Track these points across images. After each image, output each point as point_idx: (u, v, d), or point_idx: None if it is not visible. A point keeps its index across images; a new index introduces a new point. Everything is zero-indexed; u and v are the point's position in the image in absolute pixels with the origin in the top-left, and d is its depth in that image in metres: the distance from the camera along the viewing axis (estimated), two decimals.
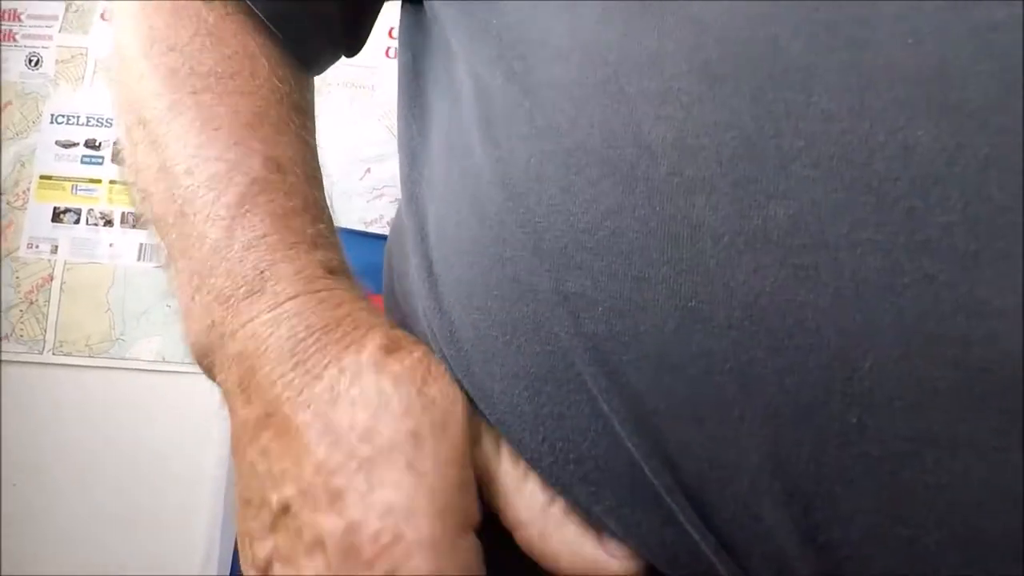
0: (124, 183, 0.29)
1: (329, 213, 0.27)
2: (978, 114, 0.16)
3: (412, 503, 0.20)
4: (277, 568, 0.22)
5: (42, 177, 1.27)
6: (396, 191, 1.18)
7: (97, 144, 1.27)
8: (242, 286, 0.24)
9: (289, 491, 0.21)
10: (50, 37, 1.31)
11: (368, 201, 1.16)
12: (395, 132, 1.23)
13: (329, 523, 0.20)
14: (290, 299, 0.23)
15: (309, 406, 0.21)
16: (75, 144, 1.27)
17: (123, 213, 1.25)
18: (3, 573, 1.19)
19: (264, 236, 0.24)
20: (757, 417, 0.18)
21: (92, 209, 1.25)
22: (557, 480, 0.22)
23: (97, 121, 1.28)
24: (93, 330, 1.22)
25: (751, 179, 0.18)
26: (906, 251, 0.16)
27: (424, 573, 0.19)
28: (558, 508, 0.21)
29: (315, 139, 0.29)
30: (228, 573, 1.13)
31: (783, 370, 0.17)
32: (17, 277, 1.24)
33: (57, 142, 1.27)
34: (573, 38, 0.21)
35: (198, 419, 1.16)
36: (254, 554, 0.23)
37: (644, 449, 0.19)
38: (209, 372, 0.26)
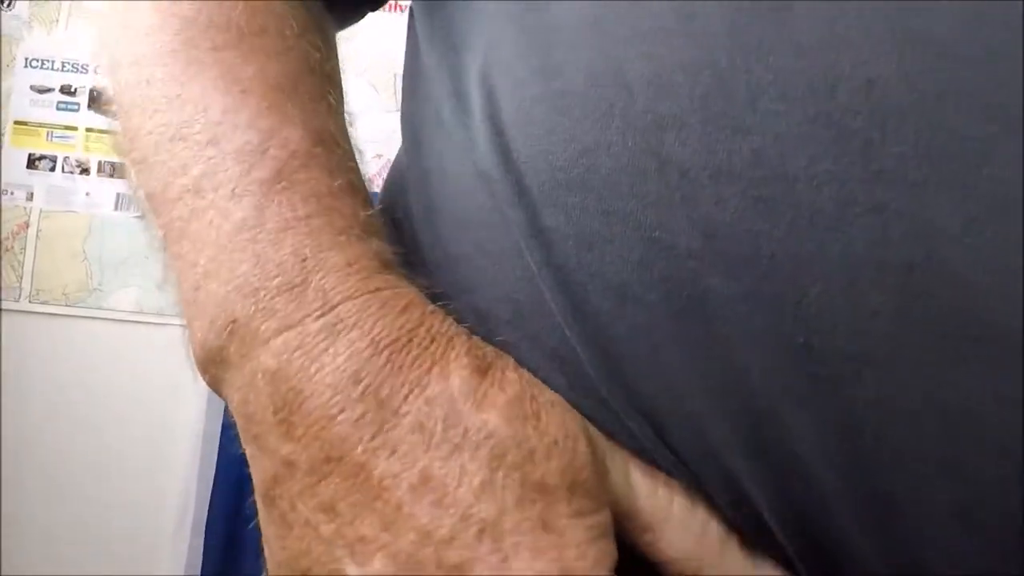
0: (115, 147, 0.23)
1: (370, 196, 0.22)
2: (940, 45, 0.16)
3: (561, 569, 0.16)
4: None
5: (16, 122, 1.23)
6: (377, 147, 1.16)
7: (73, 90, 1.23)
8: (277, 276, 0.18)
9: (379, 565, 0.17)
10: None
11: None
12: (377, 88, 1.20)
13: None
14: (346, 300, 0.18)
15: (394, 452, 0.17)
16: (50, 90, 1.23)
17: (100, 162, 1.22)
18: None
19: (308, 218, 0.19)
20: (711, 341, 0.18)
21: (68, 157, 1.22)
22: None
23: (73, 67, 1.23)
24: (70, 279, 1.20)
25: (720, 115, 0.18)
26: (860, 182, 0.16)
27: None
28: (714, 533, 0.19)
29: (342, 111, 0.25)
30: (204, 521, 1.14)
31: (737, 296, 0.18)
32: None
33: (32, 87, 1.23)
34: None
35: (175, 370, 1.16)
36: None
37: (603, 373, 0.20)
38: (216, 385, 0.20)
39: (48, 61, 1.23)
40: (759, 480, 0.18)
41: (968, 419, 0.16)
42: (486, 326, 0.23)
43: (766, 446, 0.18)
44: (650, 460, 0.20)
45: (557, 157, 0.20)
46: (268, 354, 0.18)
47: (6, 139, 1.22)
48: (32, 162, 1.22)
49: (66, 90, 1.23)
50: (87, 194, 1.22)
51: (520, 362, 0.21)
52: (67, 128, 1.23)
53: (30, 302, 1.21)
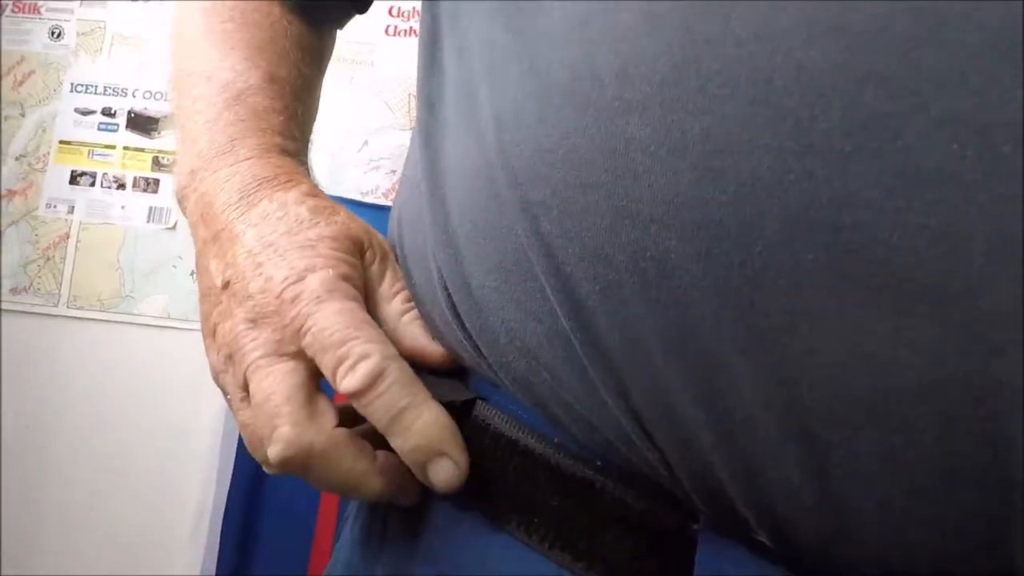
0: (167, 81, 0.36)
1: (304, 122, 0.34)
2: (861, 35, 0.17)
3: (311, 263, 0.27)
4: (220, 323, 0.28)
5: (61, 142, 1.27)
6: (392, 163, 1.19)
7: (113, 112, 1.27)
8: (217, 148, 0.30)
9: (229, 272, 0.28)
10: (71, 11, 1.30)
11: (364, 172, 1.17)
12: (392, 107, 1.22)
13: (255, 282, 0.27)
14: (247, 159, 0.30)
15: (246, 222, 0.28)
16: (92, 112, 1.27)
17: (135, 178, 1.25)
18: (8, 507, 1.20)
19: (243, 120, 0.31)
20: (670, 297, 0.19)
21: (106, 173, 1.26)
22: (507, 355, 0.24)
23: (114, 91, 1.27)
24: (104, 286, 1.23)
25: (675, 99, 0.19)
26: (793, 153, 0.18)
27: (317, 298, 0.26)
28: (409, 316, 0.29)
29: (313, 71, 0.36)
30: (222, 520, 1.14)
31: (692, 256, 0.19)
32: (36, 235, 1.25)
33: (76, 109, 1.27)
34: None
35: (198, 373, 1.17)
36: (207, 322, 0.29)
37: (576, 326, 0.21)
38: (182, 206, 0.32)
39: (92, 86, 1.28)
40: (709, 427, 0.19)
41: (890, 367, 0.17)
42: (475, 295, 0.24)
43: (716, 395, 0.19)
44: (609, 411, 0.21)
45: (544, 141, 0.22)
46: (202, 185, 0.30)
47: (52, 157, 1.26)
48: (74, 178, 1.26)
49: (107, 112, 1.27)
50: (122, 207, 1.25)
51: (506, 322, 0.24)
52: (106, 147, 1.26)
53: (68, 308, 1.23)
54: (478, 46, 0.26)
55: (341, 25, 0.40)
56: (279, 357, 0.26)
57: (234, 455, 1.15)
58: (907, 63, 0.17)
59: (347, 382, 0.25)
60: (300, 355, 0.26)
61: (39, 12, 1.31)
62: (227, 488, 1.13)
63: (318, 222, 0.28)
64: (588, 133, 0.21)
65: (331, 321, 0.25)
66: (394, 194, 1.24)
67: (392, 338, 0.27)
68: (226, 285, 0.27)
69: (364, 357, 0.25)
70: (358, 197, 1.15)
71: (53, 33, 1.30)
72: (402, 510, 0.28)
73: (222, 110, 0.31)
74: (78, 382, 1.22)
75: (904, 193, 0.16)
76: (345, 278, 0.27)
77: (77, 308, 1.23)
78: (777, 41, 0.18)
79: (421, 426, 0.24)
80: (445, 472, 0.25)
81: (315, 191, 0.30)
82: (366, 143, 1.17)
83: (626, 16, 0.21)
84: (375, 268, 0.29)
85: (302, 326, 0.25)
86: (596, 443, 0.22)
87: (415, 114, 0.31)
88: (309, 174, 0.32)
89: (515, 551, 0.24)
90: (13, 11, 1.31)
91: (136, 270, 1.23)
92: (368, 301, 0.28)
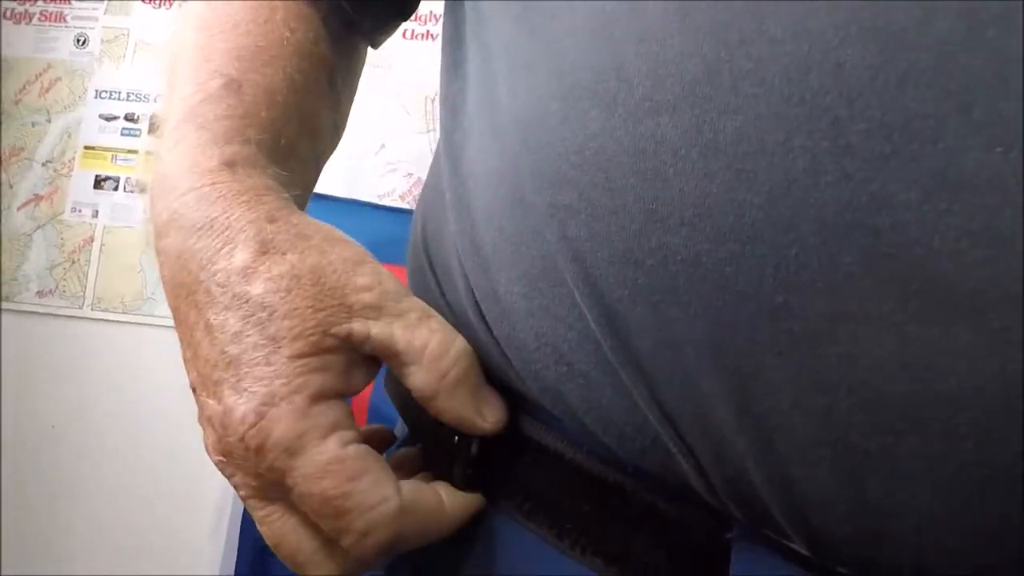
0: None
1: (277, 123, 0.29)
2: (901, 35, 0.17)
3: (270, 391, 0.22)
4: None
5: (86, 147, 1.29)
6: (408, 166, 1.19)
7: (136, 118, 1.29)
8: (162, 188, 0.26)
9: (192, 376, 0.24)
10: (96, 19, 1.32)
11: (382, 176, 1.18)
12: (409, 111, 1.23)
13: (215, 409, 0.23)
14: (187, 193, 0.25)
15: (195, 305, 0.24)
16: (116, 117, 1.29)
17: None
18: (34, 503, 1.21)
19: (179, 142, 0.27)
20: (702, 301, 0.19)
21: (130, 178, 1.28)
22: (537, 362, 0.23)
23: (136, 96, 1.29)
24: (127, 289, 1.25)
25: (707, 98, 0.19)
26: (830, 154, 0.17)
27: (286, 451, 0.22)
28: (452, 377, 0.24)
29: (313, 78, 0.32)
30: (240, 520, 1.14)
31: (724, 259, 0.19)
32: (62, 238, 1.27)
33: (100, 115, 1.29)
34: None
35: None
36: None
37: (607, 332, 0.21)
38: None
39: (115, 92, 1.30)
40: (743, 432, 0.19)
41: (930, 372, 0.16)
42: (503, 301, 0.24)
43: (751, 400, 0.19)
44: (642, 417, 0.21)
45: (569, 143, 0.22)
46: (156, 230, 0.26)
47: (77, 162, 1.28)
48: (98, 183, 1.28)
49: (130, 118, 1.29)
50: (145, 211, 1.26)
51: (535, 328, 0.23)
52: (129, 152, 1.28)
53: (92, 309, 1.25)
54: (501, 50, 0.26)
55: (377, 38, 0.38)
56: (267, 503, 0.23)
57: None
58: (948, 64, 0.16)
59: (356, 551, 0.22)
60: (288, 498, 0.23)
61: (65, 20, 1.33)
62: None
63: (274, 310, 0.22)
64: (616, 135, 0.21)
65: (314, 488, 0.22)
66: (411, 197, 1.25)
67: (432, 409, 0.24)
68: (192, 388, 0.24)
69: (366, 534, 0.22)
70: (375, 200, 1.15)
71: (79, 40, 1.32)
72: None
73: (174, 128, 0.27)
74: (101, 382, 1.24)
75: (944, 196, 0.16)
76: (319, 395, 0.22)
77: (101, 310, 1.25)
78: (814, 40, 0.18)
79: (450, 531, 0.24)
80: None
81: (267, 237, 0.24)
82: (383, 146, 1.18)
83: (653, 16, 0.21)
84: (377, 333, 0.23)
85: (283, 483, 0.22)
86: (628, 451, 0.22)
87: (439, 120, 0.31)
88: (266, 170, 0.27)
89: (545, 557, 0.24)
90: (40, 20, 1.34)
91: (157, 273, 1.24)
92: (392, 367, 0.24)
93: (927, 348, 0.16)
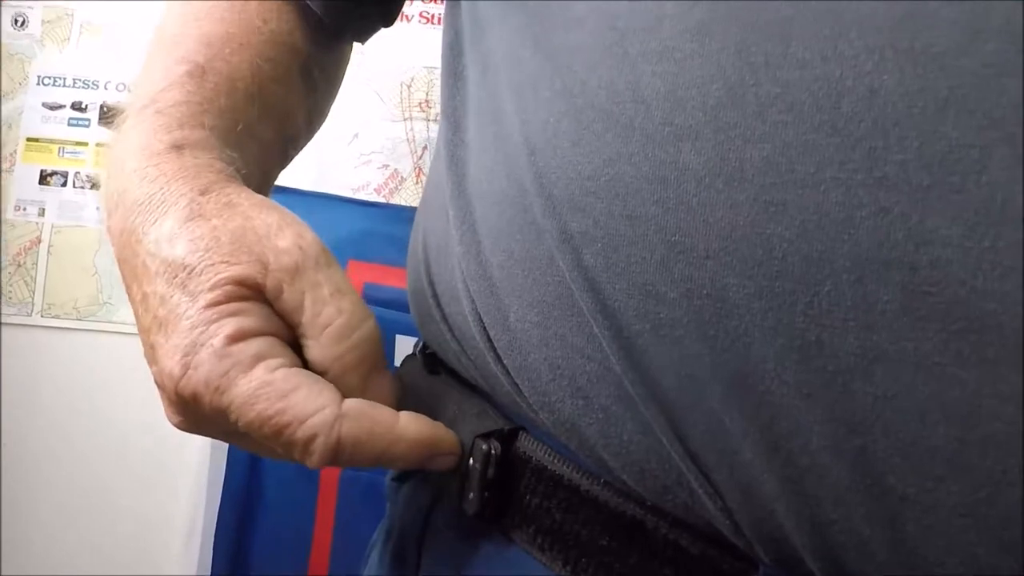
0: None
1: (235, 109, 0.32)
2: (940, 58, 0.16)
3: (192, 339, 0.24)
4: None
5: (29, 140, 1.24)
6: (384, 157, 1.17)
7: (84, 106, 1.24)
8: (115, 158, 0.29)
9: (144, 349, 0.27)
10: None
11: (355, 167, 1.16)
12: (383, 98, 1.20)
13: (156, 370, 0.26)
14: (131, 172, 0.28)
15: (135, 277, 0.27)
16: (62, 106, 1.24)
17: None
18: None
19: (157, 113, 0.30)
20: (728, 337, 0.19)
21: (79, 172, 1.23)
22: (552, 394, 0.23)
23: (83, 83, 1.25)
24: (80, 293, 1.21)
25: (732, 125, 0.19)
26: (865, 186, 0.17)
27: (216, 389, 0.24)
28: (347, 361, 0.26)
29: (284, 68, 0.34)
30: (213, 529, 1.13)
31: (752, 294, 0.19)
32: (5, 240, 1.22)
33: (44, 104, 1.24)
34: (588, 6, 0.22)
35: None
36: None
37: (627, 366, 0.21)
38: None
39: (60, 79, 1.25)
40: (772, 473, 0.19)
41: (973, 416, 0.16)
42: (514, 329, 0.24)
43: (780, 440, 0.19)
44: (665, 454, 0.21)
45: (583, 167, 0.22)
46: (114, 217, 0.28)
47: (19, 156, 1.24)
48: (44, 178, 1.23)
49: (77, 106, 1.25)
50: (97, 208, 1.23)
51: (550, 359, 0.23)
52: (78, 144, 1.24)
53: (42, 316, 1.22)
54: (503, 63, 0.26)
55: (362, 39, 0.40)
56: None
57: (224, 463, 1.14)
58: (992, 89, 0.16)
59: (311, 465, 0.24)
60: None
61: None
62: (219, 497, 1.12)
63: (192, 268, 0.25)
64: (634, 161, 0.20)
65: (250, 415, 0.24)
66: (387, 190, 1.23)
67: (336, 385, 0.25)
68: (144, 331, 0.26)
69: (310, 439, 0.24)
70: (348, 194, 1.13)
71: (16, 22, 1.27)
72: (439, 541, 0.28)
73: (136, 115, 0.30)
74: (56, 395, 1.20)
75: (988, 232, 0.16)
76: (237, 336, 0.24)
77: (52, 317, 1.21)
78: (846, 63, 0.18)
79: (407, 451, 0.25)
80: (447, 464, 0.26)
81: (194, 207, 0.26)
82: (356, 136, 1.16)
83: (669, 34, 0.20)
84: (288, 297, 0.25)
85: (227, 417, 0.24)
86: (650, 489, 0.22)
87: (439, 132, 0.31)
88: (216, 152, 0.29)
89: None
90: None
91: (114, 275, 1.21)
92: (297, 340, 0.26)
93: (969, 391, 0.16)
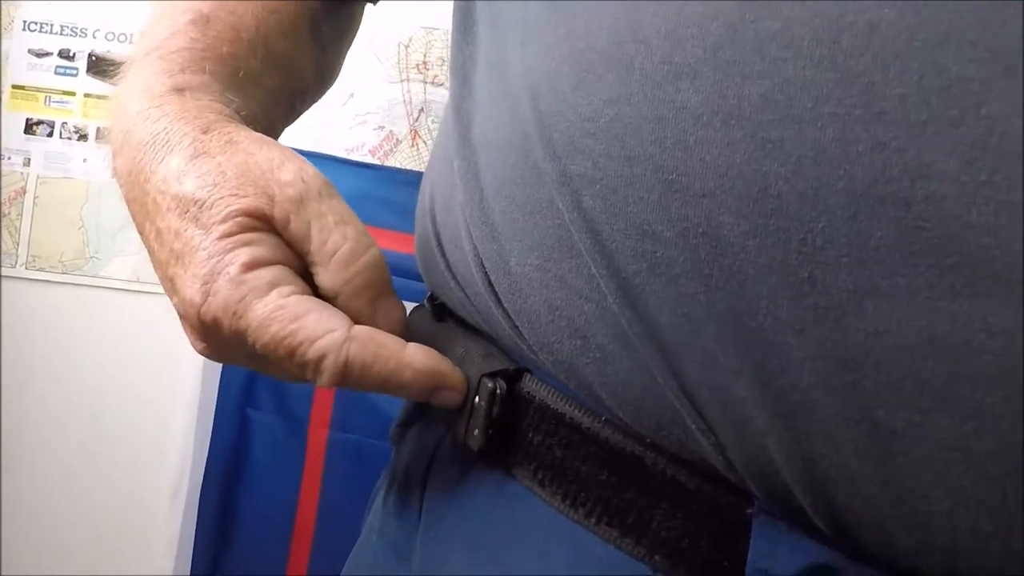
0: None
1: (236, 57, 0.33)
2: None
3: (210, 269, 0.26)
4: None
5: (14, 87, 1.22)
6: (379, 118, 1.16)
7: (72, 55, 1.22)
8: (135, 97, 0.30)
9: (163, 285, 0.28)
10: None
11: (350, 128, 1.15)
12: (380, 58, 1.19)
13: (175, 304, 0.27)
14: (135, 114, 0.29)
15: (147, 214, 0.28)
16: (48, 54, 1.22)
17: (98, 128, 1.22)
18: None
19: (160, 59, 0.31)
20: (723, 275, 0.19)
21: (66, 122, 1.22)
22: (550, 335, 0.24)
23: (72, 31, 1.23)
24: (67, 247, 1.21)
25: (730, 62, 0.19)
26: (862, 121, 0.17)
27: (235, 314, 0.25)
28: (354, 286, 0.27)
29: (290, 21, 0.35)
30: (199, 487, 1.14)
31: (747, 232, 0.19)
32: None
33: (30, 51, 1.22)
34: None
35: (172, 340, 1.16)
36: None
37: (624, 305, 0.21)
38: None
39: (47, 25, 1.23)
40: (764, 408, 0.19)
41: (964, 351, 0.17)
42: (514, 273, 0.24)
43: (771, 377, 0.19)
44: (660, 392, 0.21)
45: (583, 109, 0.22)
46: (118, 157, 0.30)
47: (4, 103, 1.22)
48: (30, 127, 1.22)
49: (64, 54, 1.22)
50: (84, 160, 1.21)
51: (549, 301, 0.24)
52: (65, 93, 1.22)
53: (27, 269, 1.21)
54: (511, 14, 0.26)
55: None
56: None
57: (211, 423, 1.15)
58: (992, 23, 0.16)
59: (321, 384, 0.25)
60: None
61: None
62: (205, 455, 1.13)
63: (203, 202, 0.26)
64: (633, 101, 0.21)
65: (264, 336, 0.25)
66: (381, 152, 1.22)
67: (346, 311, 0.27)
68: (162, 268, 0.28)
69: (320, 359, 0.25)
70: (343, 154, 1.12)
71: None
72: (442, 476, 0.29)
73: (142, 58, 0.31)
74: (39, 351, 1.20)
75: (985, 166, 0.16)
76: (251, 264, 0.26)
77: (37, 270, 1.21)
78: None
79: (413, 379, 0.26)
80: (452, 400, 0.27)
81: (199, 144, 0.28)
82: (352, 96, 1.15)
83: None
84: (295, 227, 0.27)
85: (246, 340, 0.26)
86: (645, 426, 0.23)
87: (448, 87, 0.31)
88: (218, 94, 0.31)
89: (560, 526, 0.24)
90: None
91: (101, 228, 1.20)
92: (307, 269, 0.27)
93: (961, 325, 0.17)
